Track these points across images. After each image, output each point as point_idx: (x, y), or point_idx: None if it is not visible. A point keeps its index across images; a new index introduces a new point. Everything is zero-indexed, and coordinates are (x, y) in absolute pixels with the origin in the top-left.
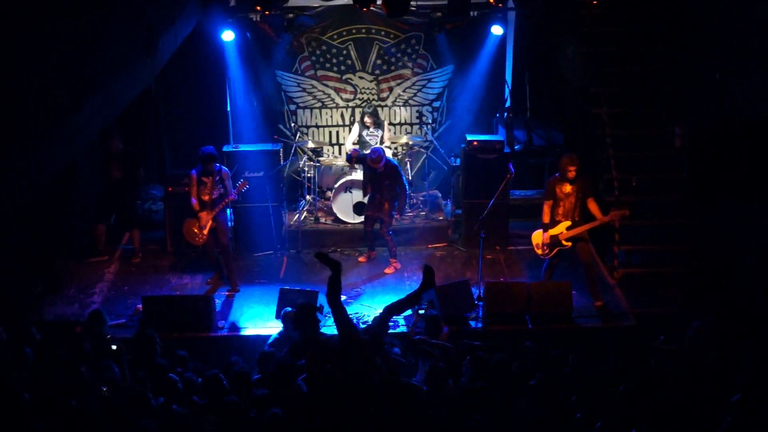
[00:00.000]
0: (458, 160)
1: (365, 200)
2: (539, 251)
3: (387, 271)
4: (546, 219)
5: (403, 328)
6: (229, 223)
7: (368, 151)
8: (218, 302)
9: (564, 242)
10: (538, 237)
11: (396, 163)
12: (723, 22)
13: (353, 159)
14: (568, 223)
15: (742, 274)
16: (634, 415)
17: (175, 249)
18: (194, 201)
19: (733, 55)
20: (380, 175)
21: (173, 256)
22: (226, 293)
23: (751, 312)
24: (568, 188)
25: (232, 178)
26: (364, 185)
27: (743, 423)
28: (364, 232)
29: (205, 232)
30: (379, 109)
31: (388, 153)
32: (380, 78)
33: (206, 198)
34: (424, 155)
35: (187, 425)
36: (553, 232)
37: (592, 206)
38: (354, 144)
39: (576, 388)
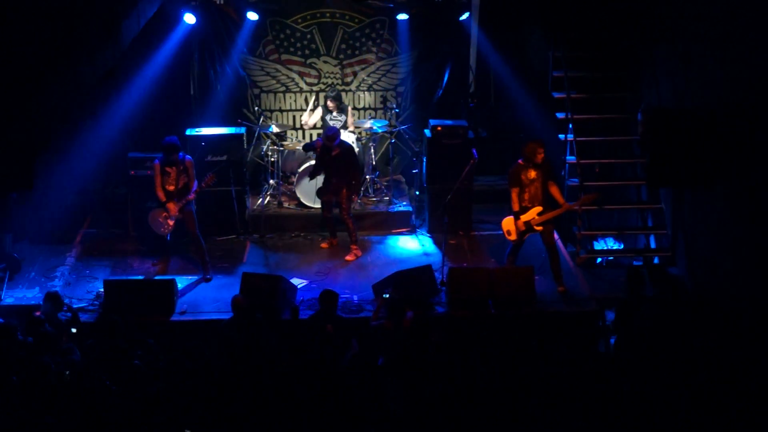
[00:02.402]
0: (423, 146)
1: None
2: (511, 238)
3: (348, 258)
4: (516, 207)
5: (367, 313)
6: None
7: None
8: (180, 286)
9: (536, 227)
10: (509, 224)
11: (350, 144)
12: (684, 8)
13: (317, 148)
14: (540, 208)
15: (698, 258)
16: (584, 400)
17: (137, 233)
18: (160, 192)
19: (693, 41)
20: (335, 158)
21: (136, 240)
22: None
23: (701, 297)
24: (532, 174)
25: (196, 166)
26: (315, 168)
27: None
28: (324, 219)
29: (171, 222)
30: (342, 93)
31: (351, 137)
32: (344, 62)
33: (171, 188)
34: (388, 140)
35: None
36: (525, 218)
37: (554, 190)
38: (311, 124)
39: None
